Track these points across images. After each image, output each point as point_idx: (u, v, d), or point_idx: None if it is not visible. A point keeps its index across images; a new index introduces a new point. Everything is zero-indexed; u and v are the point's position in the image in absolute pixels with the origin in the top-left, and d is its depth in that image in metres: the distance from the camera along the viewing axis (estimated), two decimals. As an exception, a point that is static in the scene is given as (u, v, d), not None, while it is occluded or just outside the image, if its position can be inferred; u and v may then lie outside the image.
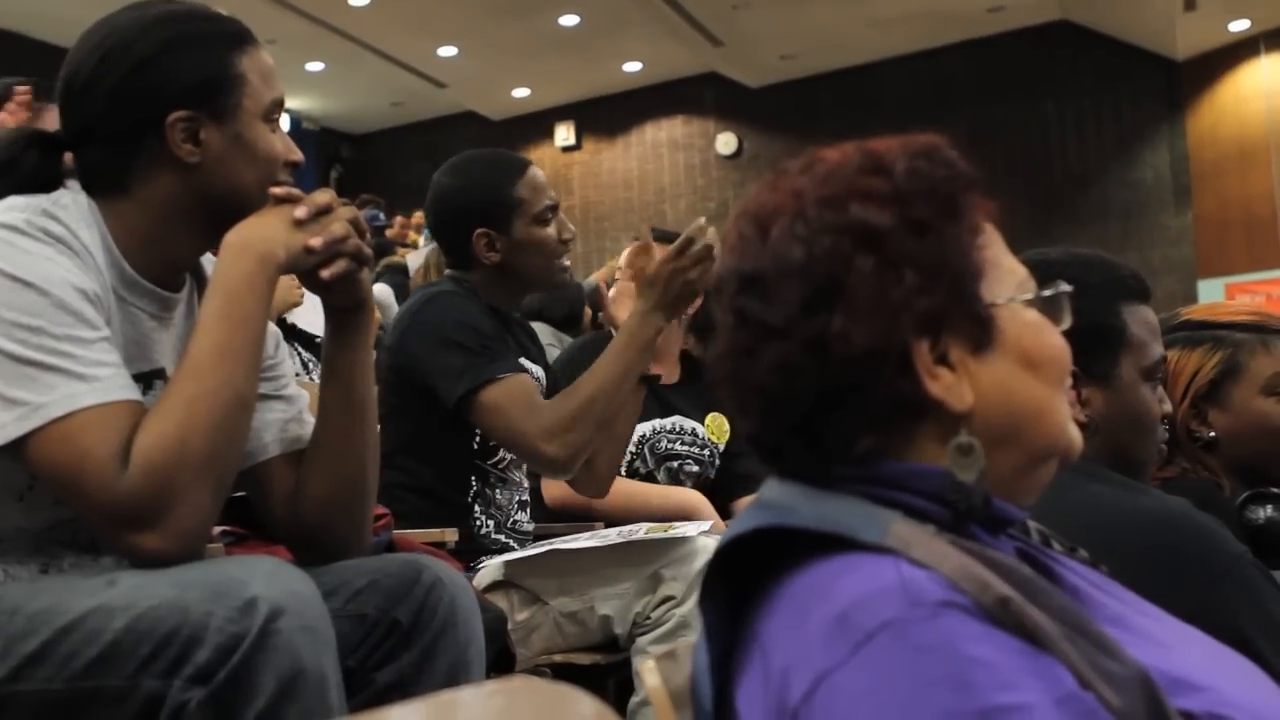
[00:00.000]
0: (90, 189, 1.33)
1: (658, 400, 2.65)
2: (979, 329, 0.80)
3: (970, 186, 0.83)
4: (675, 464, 2.72)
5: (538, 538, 2.31)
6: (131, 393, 1.20)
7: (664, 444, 2.72)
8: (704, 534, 2.05)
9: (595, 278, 4.86)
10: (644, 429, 2.63)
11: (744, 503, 2.68)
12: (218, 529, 1.54)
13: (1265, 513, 1.58)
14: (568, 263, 2.31)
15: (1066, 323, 0.85)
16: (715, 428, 2.78)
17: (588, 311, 4.95)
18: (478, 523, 2.22)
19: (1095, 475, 1.28)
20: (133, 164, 1.32)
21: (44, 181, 1.32)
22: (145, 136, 1.31)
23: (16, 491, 1.26)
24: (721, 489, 2.76)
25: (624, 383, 2.04)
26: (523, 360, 2.23)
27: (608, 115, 14.32)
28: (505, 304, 2.27)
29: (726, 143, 13.86)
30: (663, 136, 14.26)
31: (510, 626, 2.05)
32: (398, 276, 6.58)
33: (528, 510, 2.33)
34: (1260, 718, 0.76)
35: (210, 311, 1.25)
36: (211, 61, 1.32)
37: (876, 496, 0.78)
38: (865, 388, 0.78)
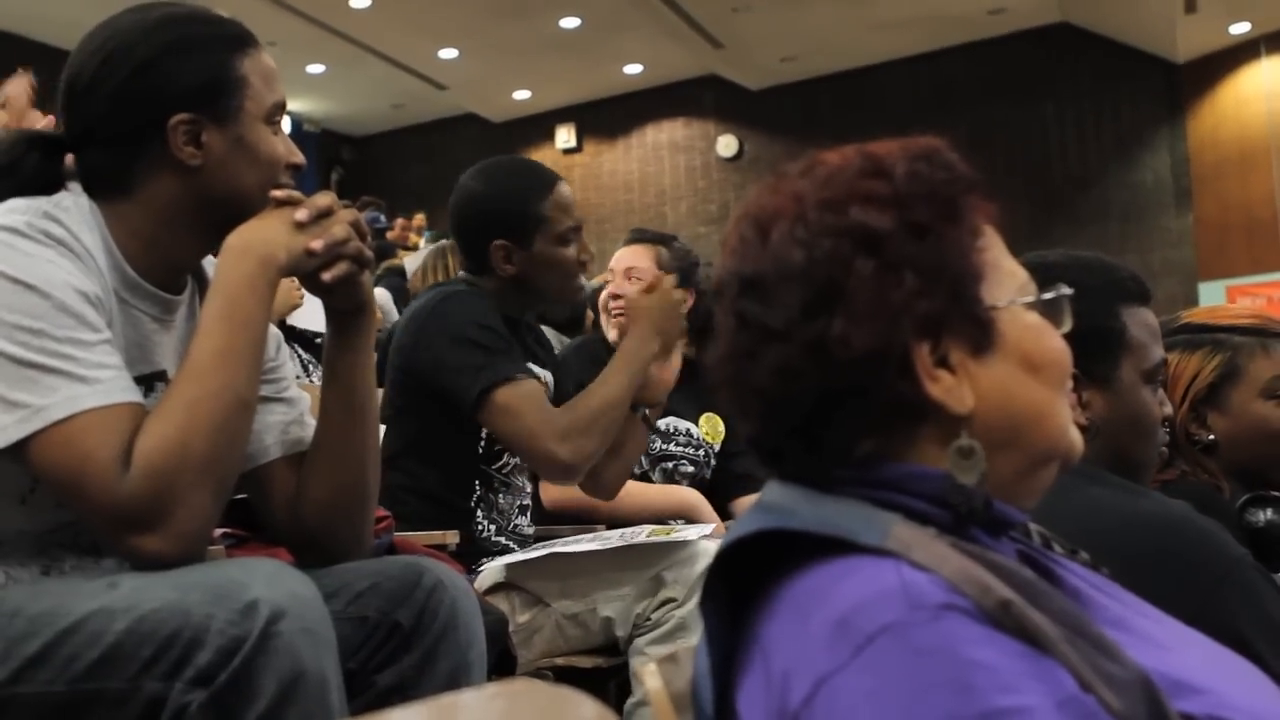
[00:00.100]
0: (91, 191, 1.33)
1: None
2: (979, 332, 0.80)
3: (970, 189, 0.83)
4: (670, 465, 2.72)
5: (539, 540, 2.31)
6: (133, 395, 1.20)
7: (658, 444, 2.72)
8: (705, 537, 2.05)
9: (597, 280, 4.86)
10: None
11: (743, 502, 2.70)
12: (218, 531, 1.54)
13: (1265, 516, 1.58)
14: (584, 282, 2.30)
15: (1067, 325, 0.85)
16: (710, 428, 2.79)
17: (589, 314, 4.95)
18: (479, 526, 2.21)
19: (1096, 478, 1.28)
20: (134, 166, 1.32)
21: (45, 184, 1.32)
22: (146, 139, 1.31)
23: (18, 495, 1.26)
24: (719, 489, 2.77)
25: (629, 394, 2.07)
26: (531, 365, 2.22)
27: (608, 117, 14.33)
28: (515, 312, 2.26)
29: (727, 145, 13.86)
30: (663, 139, 14.26)
31: (511, 629, 2.05)
32: (397, 279, 6.59)
33: (529, 514, 2.33)
34: (1260, 720, 0.76)
35: (211, 314, 1.25)
36: (213, 64, 1.32)
37: (877, 499, 0.78)
38: (866, 390, 0.78)
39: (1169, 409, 1.44)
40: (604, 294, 2.91)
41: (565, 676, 2.06)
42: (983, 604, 0.69)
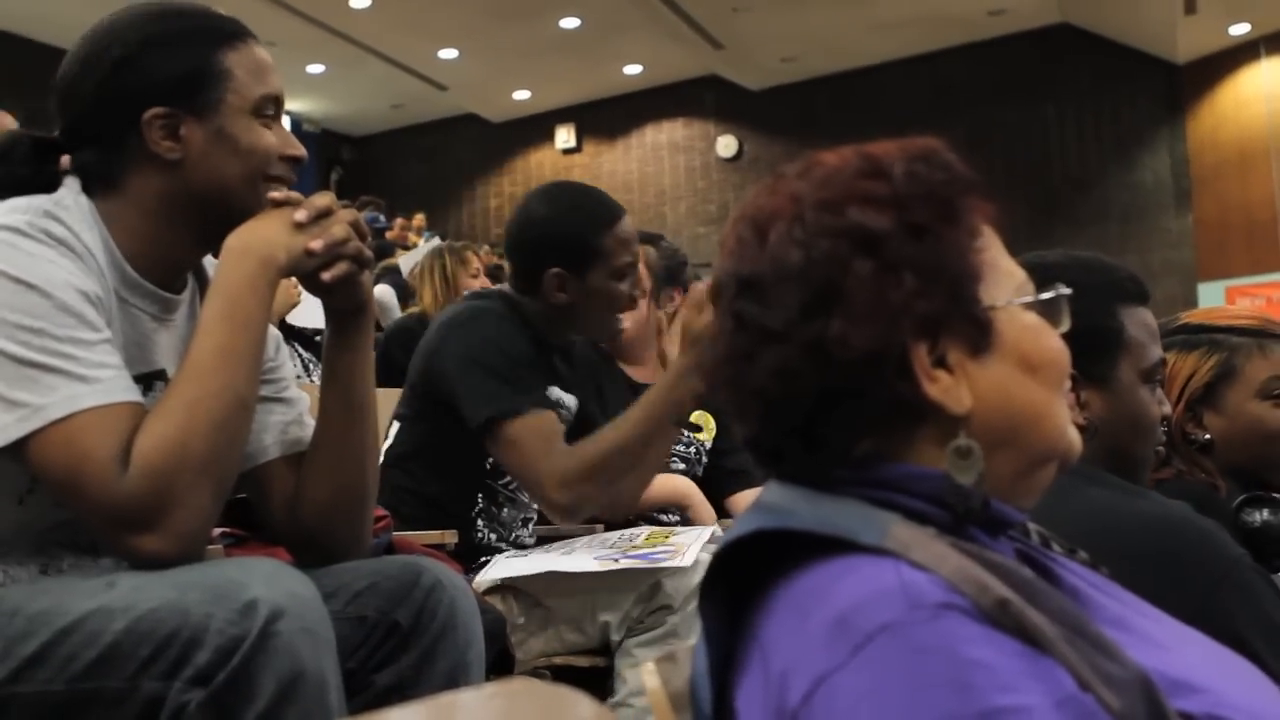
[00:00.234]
0: (87, 190, 1.33)
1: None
2: (977, 332, 0.80)
3: (968, 189, 0.83)
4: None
5: (541, 540, 2.31)
6: (133, 394, 1.20)
7: None
8: (707, 543, 2.05)
9: None
10: None
11: (738, 498, 2.69)
12: (217, 531, 1.55)
13: (1261, 516, 1.58)
14: (625, 321, 2.26)
15: (1065, 325, 0.85)
16: (701, 425, 2.78)
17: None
18: (480, 535, 2.21)
19: (1094, 479, 1.28)
20: (120, 163, 1.33)
21: (43, 185, 1.32)
22: (127, 135, 1.31)
23: (17, 494, 1.26)
24: (713, 486, 2.76)
25: (650, 438, 1.98)
26: (555, 389, 2.19)
27: (608, 118, 14.35)
28: (556, 337, 2.23)
29: (727, 145, 13.88)
30: (663, 139, 14.28)
31: (509, 629, 2.05)
32: (398, 278, 6.59)
33: (530, 526, 2.33)
34: (1259, 719, 0.76)
35: (212, 314, 1.25)
36: (191, 57, 1.32)
37: (875, 499, 0.78)
38: (864, 391, 0.78)
39: (1167, 408, 1.44)
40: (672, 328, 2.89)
41: (563, 676, 2.06)
42: (981, 603, 0.69)
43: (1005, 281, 0.83)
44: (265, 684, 1.05)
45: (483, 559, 2.17)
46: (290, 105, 14.04)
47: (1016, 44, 12.32)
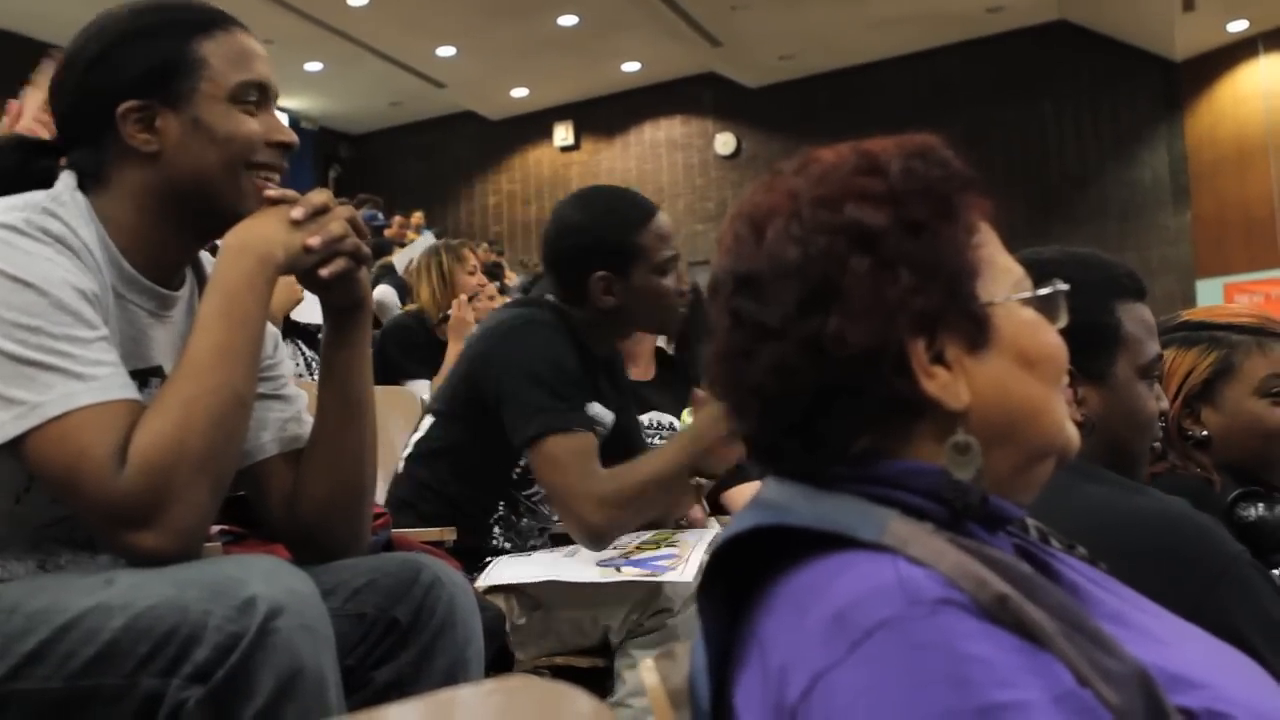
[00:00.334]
0: (82, 187, 1.34)
1: (634, 397, 2.65)
2: (975, 328, 0.80)
3: (965, 186, 0.83)
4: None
5: (552, 537, 2.32)
6: (130, 392, 1.20)
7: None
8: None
9: None
10: None
11: (732, 493, 2.70)
12: (216, 528, 1.55)
13: (1256, 511, 1.59)
14: (683, 310, 2.26)
15: (1063, 321, 0.85)
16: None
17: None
18: (494, 542, 2.21)
19: (1092, 475, 1.28)
20: (105, 159, 1.33)
21: (33, 181, 1.33)
22: (106, 131, 1.32)
23: (14, 492, 1.26)
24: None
25: (681, 475, 2.00)
26: (595, 405, 2.19)
27: (606, 115, 14.35)
28: (601, 346, 2.23)
29: (725, 143, 13.88)
30: (661, 136, 14.28)
31: (509, 628, 2.05)
32: (398, 278, 6.58)
33: (546, 536, 2.32)
34: (1258, 714, 0.76)
35: (209, 311, 1.25)
36: (164, 49, 1.32)
37: (874, 495, 0.78)
38: (862, 387, 0.78)
39: (1164, 403, 1.44)
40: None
41: (562, 676, 2.06)
42: (979, 599, 0.69)
43: (1003, 277, 0.83)
44: (264, 681, 1.05)
45: (488, 560, 2.17)
46: (288, 103, 14.04)
47: (1015, 41, 12.32)
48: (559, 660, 2.10)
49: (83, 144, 1.35)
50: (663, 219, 2.19)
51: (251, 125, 1.34)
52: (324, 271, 1.32)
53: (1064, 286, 0.85)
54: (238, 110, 1.33)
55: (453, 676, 1.31)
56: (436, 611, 1.32)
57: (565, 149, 14.72)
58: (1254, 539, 1.45)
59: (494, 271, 8.46)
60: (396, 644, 1.31)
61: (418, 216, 11.72)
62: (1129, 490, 1.29)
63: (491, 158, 15.02)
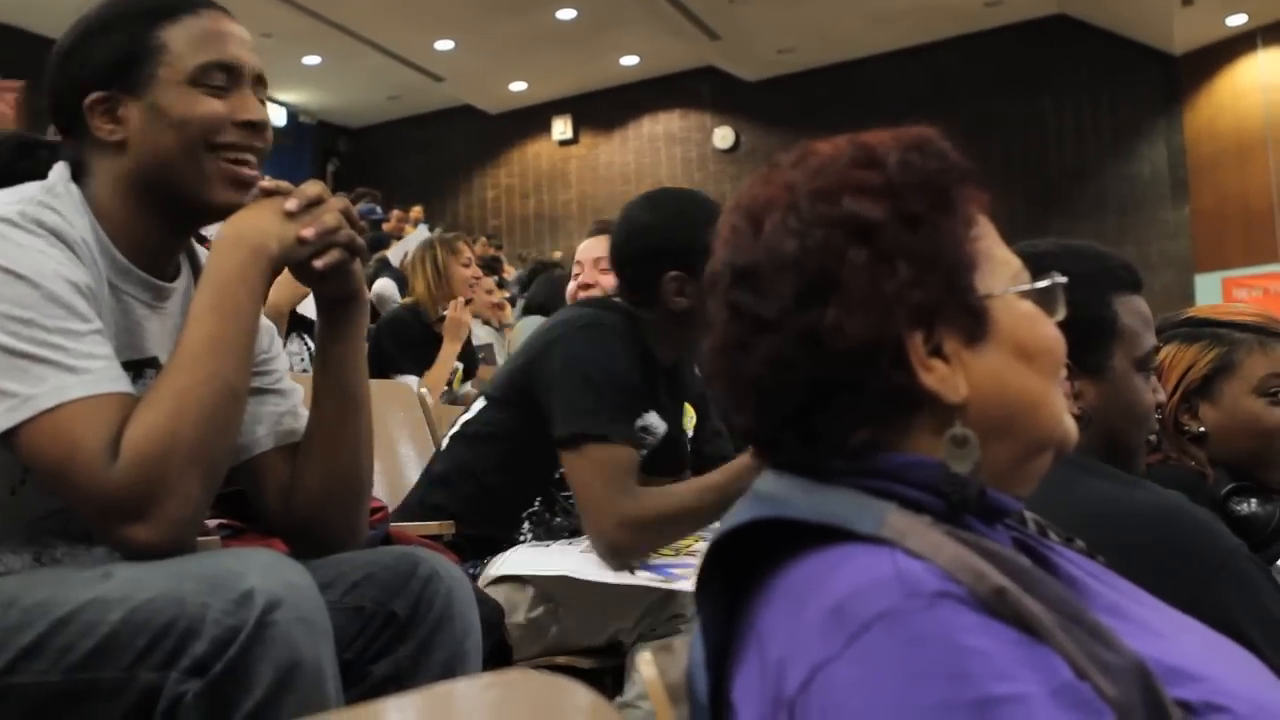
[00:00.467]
0: (75, 178, 1.35)
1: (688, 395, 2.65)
2: (973, 321, 0.80)
3: (963, 178, 0.83)
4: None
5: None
6: (123, 385, 1.20)
7: None
8: None
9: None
10: None
11: (709, 475, 2.69)
12: (214, 522, 1.54)
13: (1249, 506, 1.59)
14: None
15: (1061, 314, 0.85)
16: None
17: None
18: (522, 536, 2.20)
19: (1090, 469, 1.29)
20: (85, 151, 1.35)
21: (26, 174, 1.35)
22: (79, 123, 1.33)
23: (9, 484, 1.26)
24: (695, 473, 2.76)
25: (712, 513, 1.98)
26: (650, 415, 2.19)
27: (605, 109, 14.34)
28: (669, 353, 2.21)
29: (723, 137, 13.87)
30: (660, 130, 14.28)
31: (520, 621, 2.05)
32: (397, 272, 6.58)
33: (574, 539, 2.32)
34: (1256, 707, 0.76)
35: (202, 303, 1.25)
36: (125, 39, 1.33)
37: (872, 488, 0.78)
38: (859, 380, 0.78)
39: (1161, 395, 1.44)
40: (573, 285, 2.90)
41: (565, 674, 2.05)
42: (977, 591, 0.69)
43: (1001, 270, 0.83)
44: (263, 674, 1.05)
45: (504, 547, 2.16)
46: (286, 96, 14.03)
47: (1014, 35, 12.31)
48: (561, 660, 2.09)
49: (70, 136, 1.36)
50: None
51: (210, 106, 1.32)
52: (319, 263, 1.32)
53: (1062, 279, 0.85)
54: (199, 92, 1.32)
55: (451, 670, 1.31)
56: (434, 605, 1.32)
57: (563, 143, 14.71)
58: (1245, 534, 1.45)
59: (492, 265, 8.48)
60: (394, 637, 1.31)
61: (416, 211, 11.71)
62: (1127, 484, 1.30)
63: (490, 152, 15.02)
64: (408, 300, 4.40)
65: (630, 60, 13.44)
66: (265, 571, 1.09)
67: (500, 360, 4.59)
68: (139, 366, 1.33)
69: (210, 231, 1.43)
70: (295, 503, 1.41)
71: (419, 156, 15.04)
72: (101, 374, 1.18)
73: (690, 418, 2.76)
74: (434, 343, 4.07)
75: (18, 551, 1.28)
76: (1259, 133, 11.34)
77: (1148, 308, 1.38)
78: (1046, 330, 0.84)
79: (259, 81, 1.38)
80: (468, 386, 4.16)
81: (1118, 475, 1.30)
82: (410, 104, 14.75)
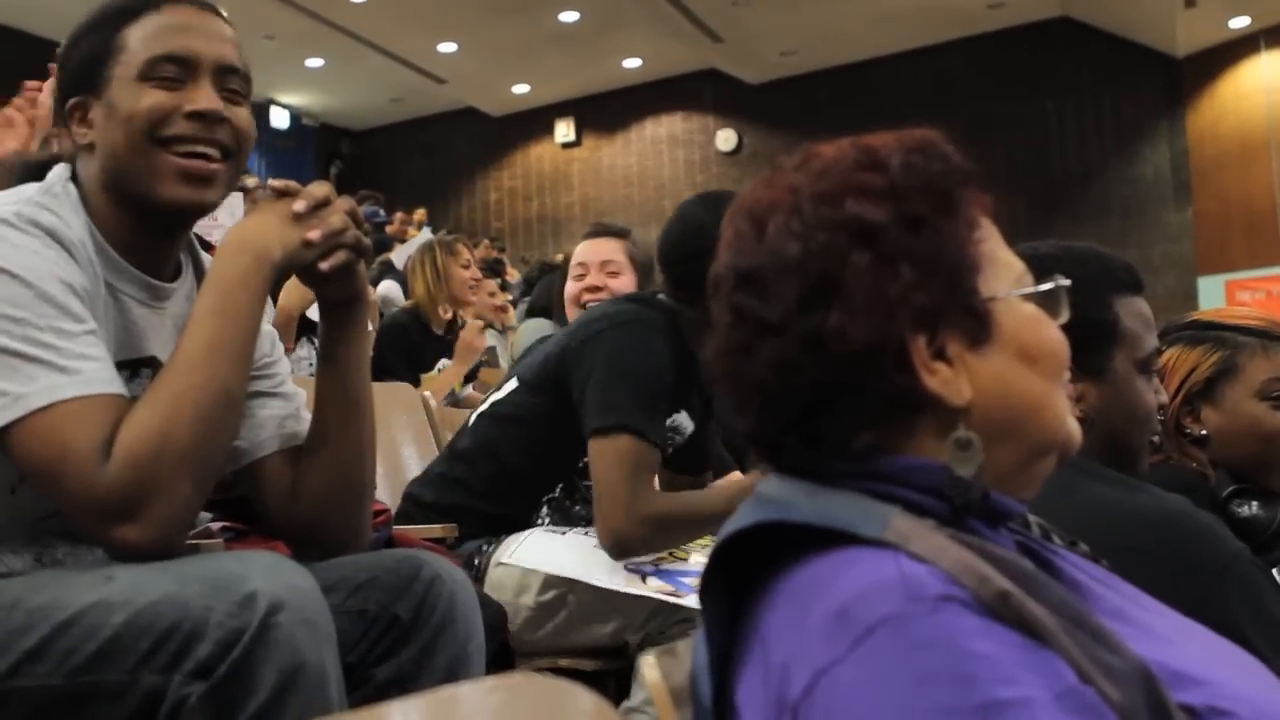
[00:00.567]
0: (74, 179, 1.36)
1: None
2: (976, 323, 0.80)
3: (966, 181, 0.83)
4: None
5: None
6: (116, 386, 1.20)
7: None
8: None
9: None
10: None
11: (719, 485, 2.69)
12: (218, 525, 1.55)
13: (1250, 509, 1.60)
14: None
15: (1064, 317, 0.85)
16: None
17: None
18: (540, 520, 2.21)
19: (1093, 473, 1.28)
20: (75, 155, 1.37)
21: None
22: (65, 129, 1.36)
23: (9, 484, 1.26)
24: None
25: (721, 518, 2.00)
26: (681, 414, 2.20)
27: (607, 111, 14.34)
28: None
29: (726, 139, 13.87)
30: (662, 133, 14.27)
31: (529, 602, 2.05)
32: (400, 274, 6.58)
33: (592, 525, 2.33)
34: (1260, 711, 0.75)
35: (203, 307, 1.25)
36: (96, 42, 1.34)
37: (875, 491, 0.78)
38: (863, 383, 0.78)
39: (1164, 397, 1.44)
40: (577, 287, 2.91)
41: (568, 677, 2.04)
42: (981, 595, 0.69)
43: (1004, 273, 0.83)
44: (266, 676, 1.05)
45: (517, 533, 2.17)
46: (289, 99, 14.04)
47: (1016, 37, 12.30)
48: (564, 663, 2.09)
49: (68, 140, 1.37)
50: None
51: (155, 98, 1.31)
52: (324, 265, 1.32)
53: (1065, 282, 0.85)
54: (148, 86, 1.31)
55: (454, 673, 1.31)
56: (437, 608, 1.32)
57: (566, 145, 14.71)
58: (1246, 536, 1.45)
59: (495, 268, 8.47)
60: (397, 641, 1.30)
61: (420, 213, 11.71)
62: (1131, 488, 1.29)
63: (493, 154, 15.02)
64: (408, 304, 4.40)
65: (633, 63, 13.44)
66: (268, 574, 1.09)
67: (504, 363, 4.59)
68: (136, 366, 1.33)
69: (215, 236, 1.43)
70: (298, 506, 1.41)
71: (422, 159, 15.04)
72: (94, 375, 1.18)
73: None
74: (430, 348, 4.07)
75: (19, 552, 1.28)
76: (1262, 135, 11.33)
77: (1149, 309, 1.38)
78: (1050, 333, 0.84)
79: (228, 73, 1.35)
80: (469, 389, 4.16)
81: (1120, 479, 1.30)
82: (413, 106, 14.75)
